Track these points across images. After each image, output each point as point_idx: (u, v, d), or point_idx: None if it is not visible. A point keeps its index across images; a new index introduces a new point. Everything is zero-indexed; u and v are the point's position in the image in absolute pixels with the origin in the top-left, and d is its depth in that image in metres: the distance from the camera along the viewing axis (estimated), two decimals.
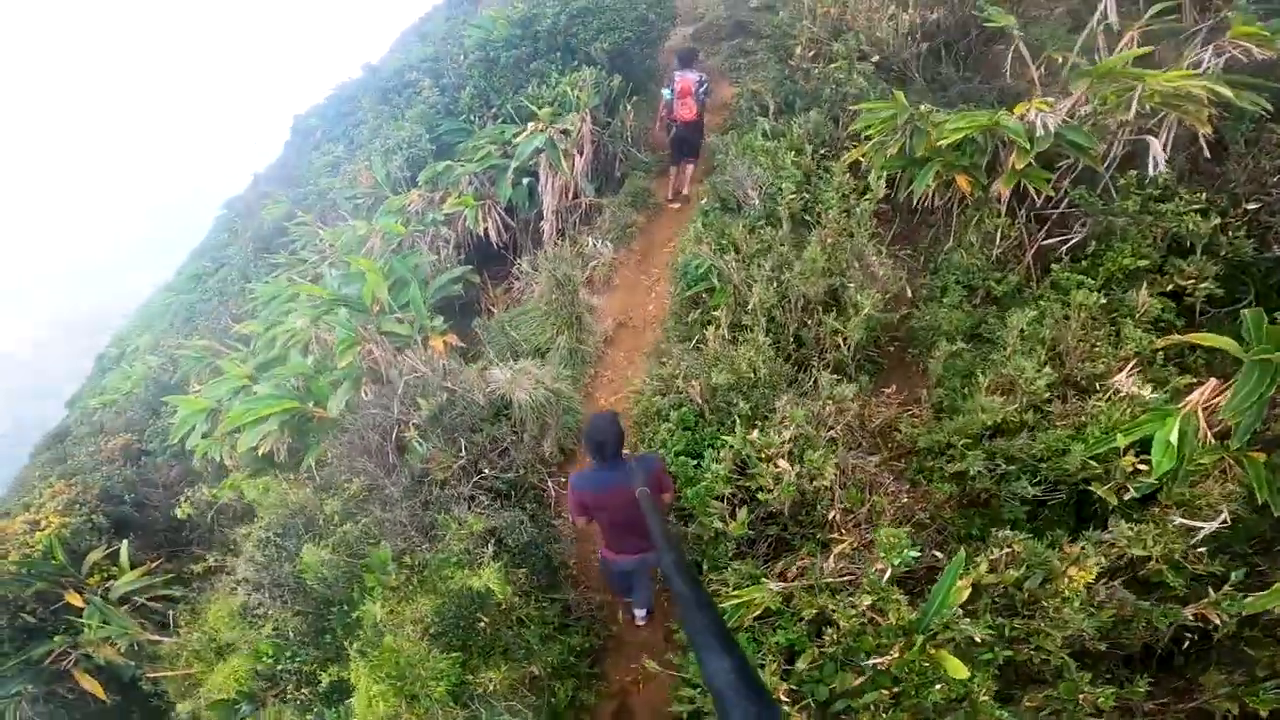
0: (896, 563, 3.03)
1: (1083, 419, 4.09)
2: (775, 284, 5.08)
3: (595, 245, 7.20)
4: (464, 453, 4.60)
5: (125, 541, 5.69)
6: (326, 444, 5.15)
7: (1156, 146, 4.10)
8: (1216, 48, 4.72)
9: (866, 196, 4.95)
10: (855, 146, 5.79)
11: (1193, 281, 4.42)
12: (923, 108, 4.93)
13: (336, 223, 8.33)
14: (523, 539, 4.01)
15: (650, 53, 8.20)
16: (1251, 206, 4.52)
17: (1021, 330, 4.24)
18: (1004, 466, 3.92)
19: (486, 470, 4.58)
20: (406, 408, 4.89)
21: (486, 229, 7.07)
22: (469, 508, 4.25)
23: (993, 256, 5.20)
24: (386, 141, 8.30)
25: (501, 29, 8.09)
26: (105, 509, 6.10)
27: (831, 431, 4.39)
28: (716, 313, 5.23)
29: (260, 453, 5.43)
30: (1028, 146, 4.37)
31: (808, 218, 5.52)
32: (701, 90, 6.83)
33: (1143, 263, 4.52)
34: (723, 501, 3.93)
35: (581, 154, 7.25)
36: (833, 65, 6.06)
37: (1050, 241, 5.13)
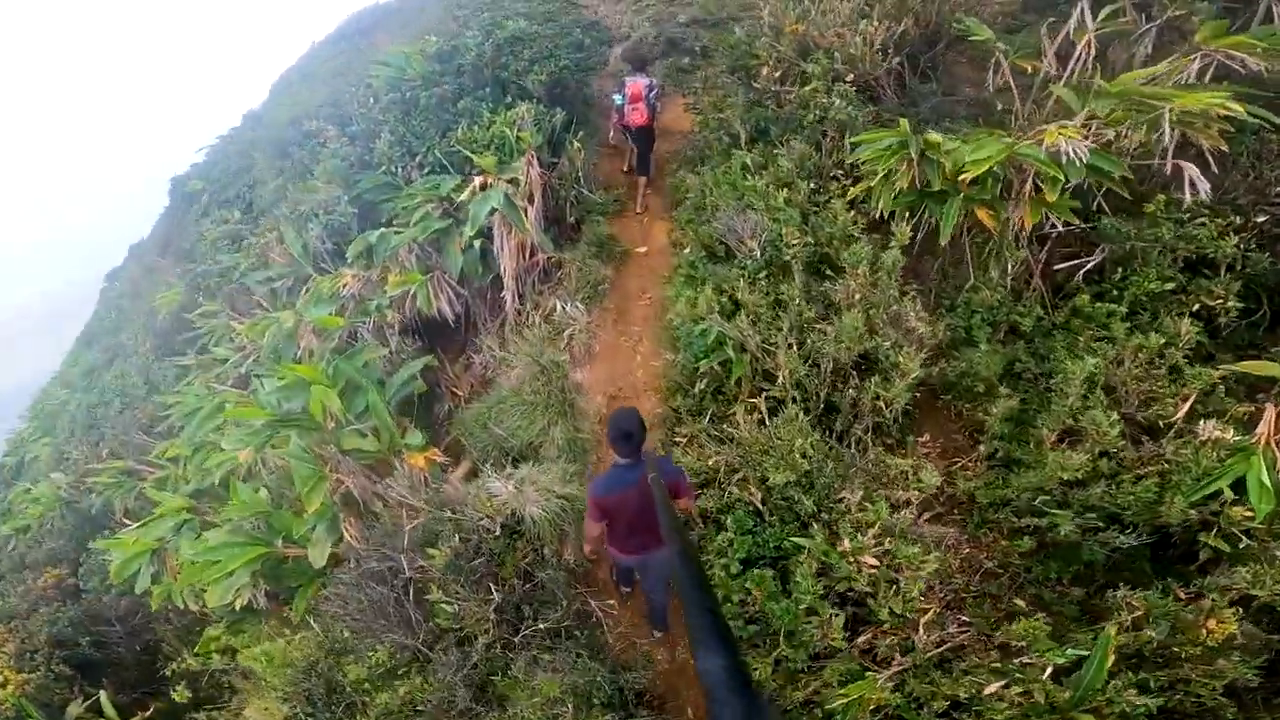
0: (1061, 660, 2.98)
1: (1163, 465, 3.78)
2: (799, 347, 4.35)
3: (565, 309, 6.21)
4: (495, 596, 3.67)
5: (103, 691, 5.17)
6: (320, 600, 4.05)
7: (1194, 171, 3.68)
8: (1203, 57, 4.36)
9: (891, 245, 4.29)
10: (850, 178, 5.15)
11: (1220, 301, 4.08)
12: (931, 135, 4.31)
13: (252, 311, 6.80)
14: (603, 692, 3.22)
15: (588, 80, 7.16)
16: (1260, 219, 4.23)
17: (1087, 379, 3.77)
18: (1090, 519, 3.70)
19: (528, 611, 3.66)
20: (414, 554, 3.83)
21: (440, 307, 5.87)
22: (526, 667, 3.58)
23: (1008, 287, 4.70)
24: (297, 207, 6.85)
25: (417, 65, 6.80)
26: (62, 654, 5.74)
27: (906, 510, 3.78)
28: (734, 384, 4.52)
29: (237, 606, 4.27)
30: (1061, 178, 3.84)
31: (820, 266, 4.80)
32: (652, 95, 6.40)
33: (1168, 285, 4.15)
34: (815, 615, 3.46)
35: (532, 203, 6.18)
36: (807, 87, 5.32)
37: (1062, 266, 4.70)
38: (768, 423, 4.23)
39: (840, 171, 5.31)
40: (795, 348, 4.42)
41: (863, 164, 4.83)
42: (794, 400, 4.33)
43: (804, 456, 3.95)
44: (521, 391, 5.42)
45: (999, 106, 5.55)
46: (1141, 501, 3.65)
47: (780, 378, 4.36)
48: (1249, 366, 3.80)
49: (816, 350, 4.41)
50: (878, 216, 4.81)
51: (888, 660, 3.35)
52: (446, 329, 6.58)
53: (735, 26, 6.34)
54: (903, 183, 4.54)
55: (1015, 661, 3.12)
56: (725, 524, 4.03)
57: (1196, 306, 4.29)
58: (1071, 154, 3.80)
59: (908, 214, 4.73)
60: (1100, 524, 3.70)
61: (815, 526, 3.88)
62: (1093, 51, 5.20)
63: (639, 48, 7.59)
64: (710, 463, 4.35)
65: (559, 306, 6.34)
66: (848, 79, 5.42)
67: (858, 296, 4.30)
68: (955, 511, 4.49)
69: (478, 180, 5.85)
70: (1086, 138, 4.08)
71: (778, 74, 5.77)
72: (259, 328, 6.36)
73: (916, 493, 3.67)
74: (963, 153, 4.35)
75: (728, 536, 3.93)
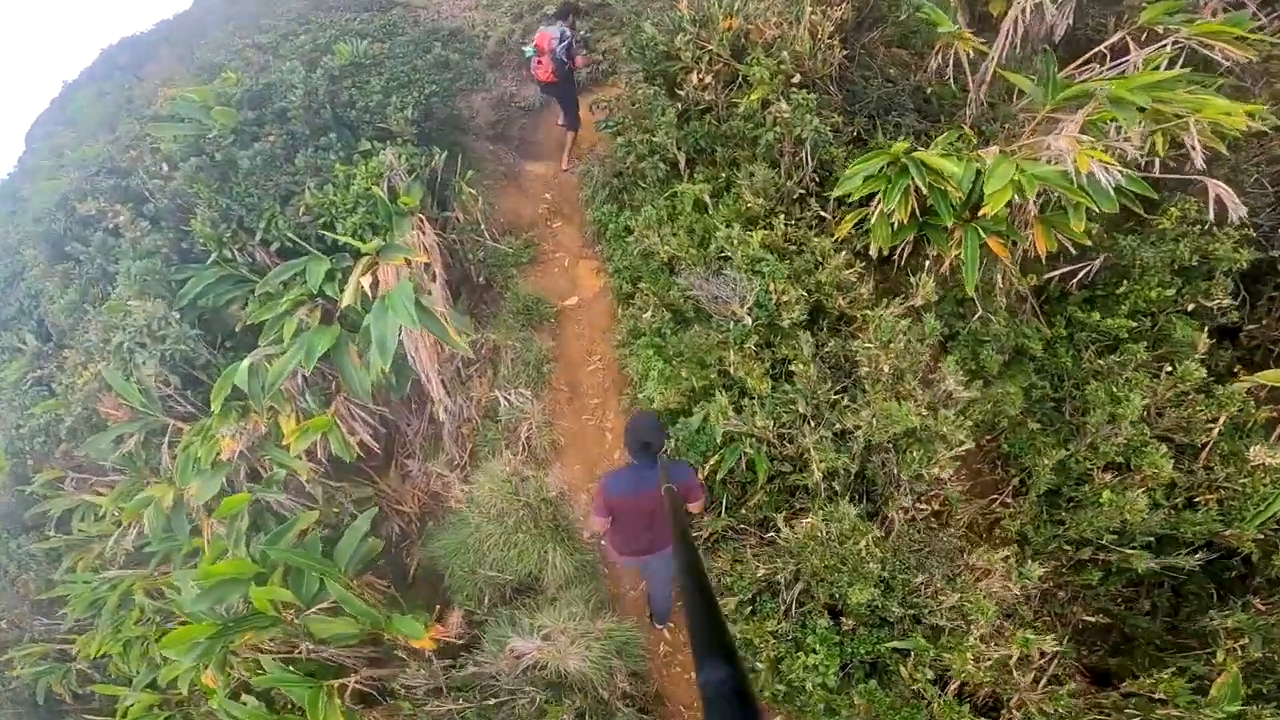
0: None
1: (1220, 493, 3.57)
2: (822, 425, 3.51)
3: (511, 403, 4.87)
4: None
5: None
6: None
7: (1226, 192, 3.12)
8: (1174, 44, 3.77)
9: (916, 301, 3.46)
10: (822, 203, 4.18)
11: (1216, 303, 3.74)
12: (929, 156, 3.44)
13: (108, 476, 4.82)
14: None
15: (466, 102, 5.40)
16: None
17: (1138, 419, 3.35)
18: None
19: None
20: None
21: (362, 439, 4.31)
22: None
23: (1005, 306, 4.08)
24: (109, 335, 4.72)
25: (224, 118, 4.69)
26: None
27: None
28: (761, 482, 3.84)
29: None
30: (1090, 205, 3.13)
31: (818, 318, 3.90)
32: (560, 47, 5.46)
33: (1168, 292, 3.72)
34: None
35: (436, 279, 4.64)
36: (754, 95, 4.17)
37: (1051, 275, 4.15)
38: (815, 523, 3.35)
39: (811, 198, 4.27)
40: (820, 429, 3.54)
41: (851, 196, 3.81)
42: (831, 493, 3.50)
43: (872, 558, 3.18)
44: (503, 521, 4.15)
45: (943, 99, 4.72)
46: (1204, 527, 3.48)
47: (814, 477, 3.46)
48: (1270, 378, 3.45)
49: (842, 426, 3.56)
50: (874, 254, 3.88)
51: None
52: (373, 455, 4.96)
53: (643, 23, 4.83)
54: (901, 214, 3.61)
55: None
56: (806, 644, 3.44)
57: (1192, 307, 3.89)
58: (1104, 179, 3.03)
59: (907, 248, 3.85)
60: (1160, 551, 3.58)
61: (908, 623, 3.46)
62: (1020, 27, 4.45)
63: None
64: (759, 574, 3.46)
65: (503, 401, 4.94)
66: (794, 79, 4.27)
67: (886, 368, 3.42)
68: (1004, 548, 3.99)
69: (360, 275, 4.15)
70: (1108, 150, 3.34)
71: (708, 78, 4.46)
72: (129, 504, 4.42)
73: (1015, 584, 3.03)
74: (966, 173, 3.48)
75: (816, 659, 3.13)
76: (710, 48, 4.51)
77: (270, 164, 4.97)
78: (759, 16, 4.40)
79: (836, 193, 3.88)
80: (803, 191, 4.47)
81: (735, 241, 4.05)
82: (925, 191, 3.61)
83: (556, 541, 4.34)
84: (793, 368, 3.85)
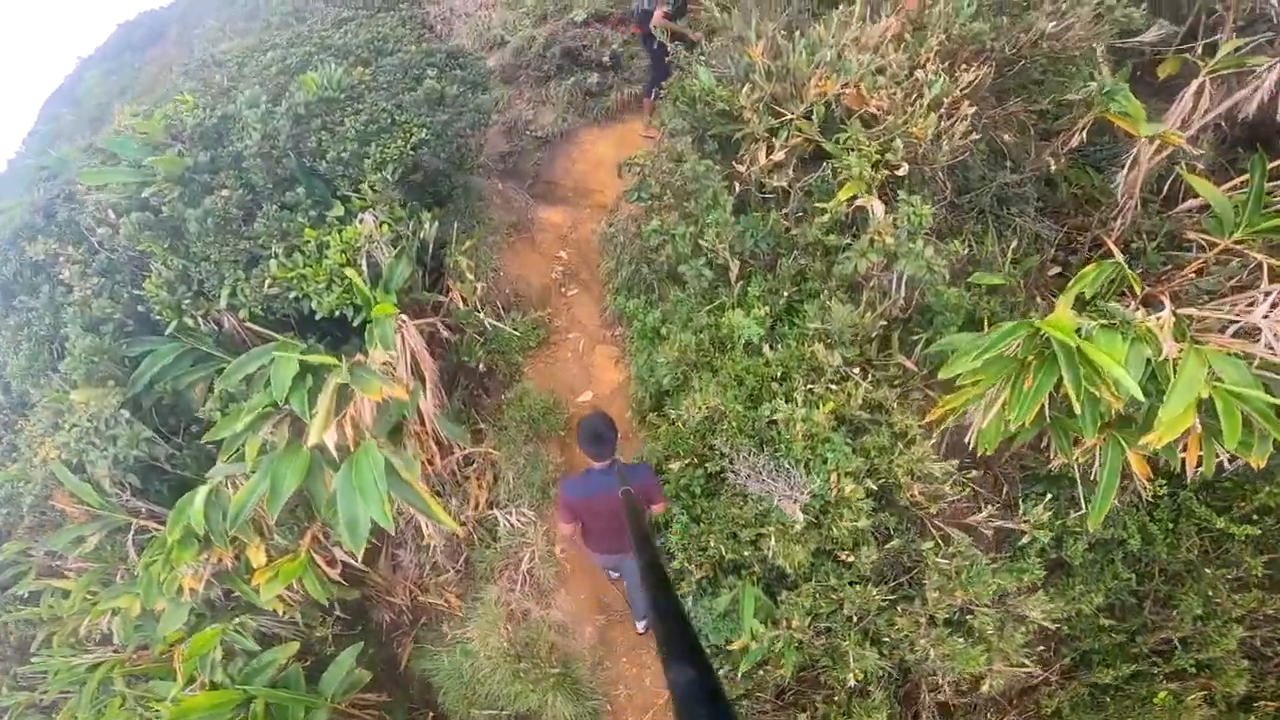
0: None
1: None
2: (869, 639, 2.70)
3: (510, 523, 3.97)
4: None
5: None
6: None
7: None
8: None
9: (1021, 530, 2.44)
10: (913, 348, 3.00)
11: None
12: (1095, 348, 2.23)
13: (75, 569, 4.16)
14: None
15: (471, 143, 4.07)
16: None
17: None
18: None
19: None
20: None
21: (343, 567, 3.48)
22: None
23: None
24: (59, 421, 3.87)
25: (167, 166, 3.50)
26: None
27: None
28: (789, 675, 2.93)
29: None
30: None
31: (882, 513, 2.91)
32: None
33: None
34: None
35: (426, 382, 3.59)
36: (841, 194, 2.89)
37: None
38: None
39: (894, 332, 3.05)
40: (866, 643, 2.62)
41: (955, 379, 2.58)
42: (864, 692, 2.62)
43: None
44: (504, 658, 3.40)
45: (1077, 188, 3.32)
46: None
47: (847, 672, 2.55)
48: None
49: (891, 640, 2.61)
50: (973, 450, 2.70)
51: None
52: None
53: (696, 63, 3.35)
54: (1027, 415, 2.40)
55: None
56: None
57: None
58: None
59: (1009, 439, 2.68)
60: None
61: None
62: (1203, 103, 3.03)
63: None
64: None
65: (502, 521, 4.01)
66: (899, 170, 2.92)
67: (958, 600, 2.39)
68: None
69: (327, 405, 3.12)
70: None
71: (781, 156, 3.10)
72: (95, 607, 3.97)
73: None
74: (1135, 368, 2.25)
75: None
76: (790, 115, 3.07)
77: (224, 226, 3.78)
78: (863, 79, 2.91)
79: (944, 373, 2.65)
80: (885, 324, 3.19)
81: (795, 421, 2.86)
82: (1073, 394, 2.36)
83: (560, 688, 3.56)
84: (844, 557, 2.81)
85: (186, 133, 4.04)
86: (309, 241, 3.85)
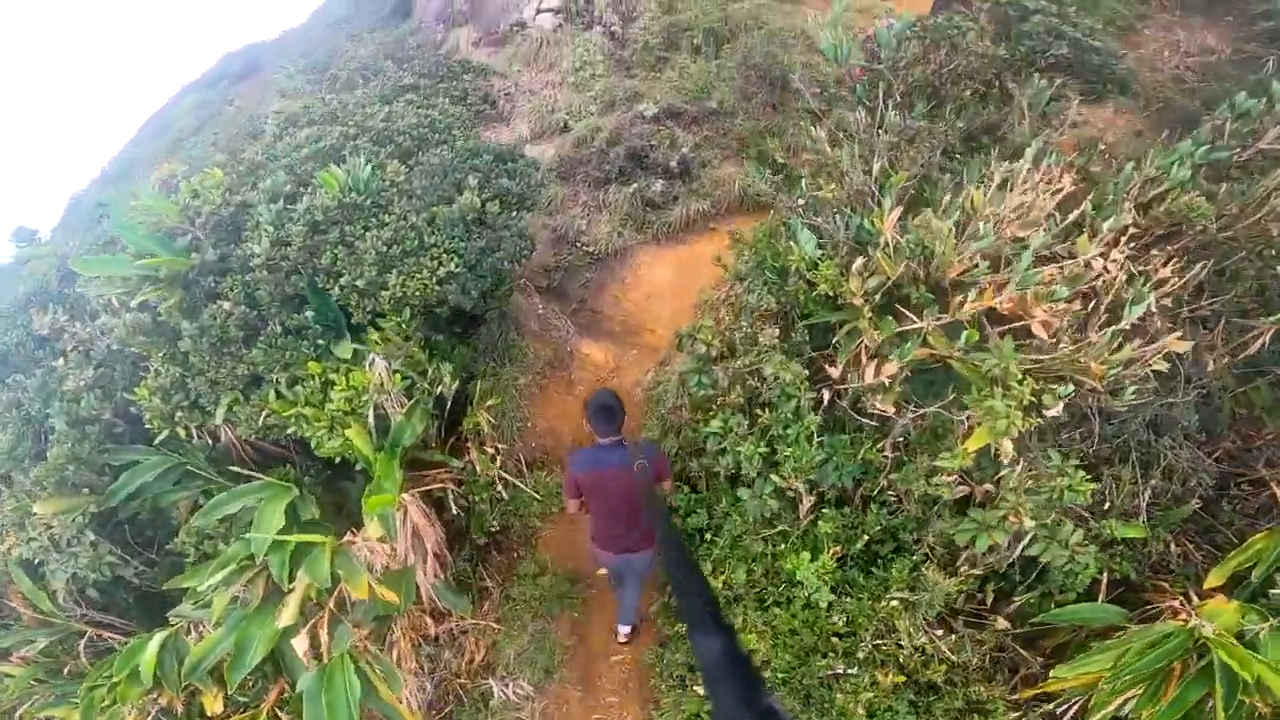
0: None
1: None
2: None
3: (505, 695, 3.07)
4: None
5: None
6: None
7: None
8: None
9: None
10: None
11: None
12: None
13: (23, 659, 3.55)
14: None
15: (509, 272, 3.24)
16: None
17: None
18: None
19: None
20: None
21: None
22: None
23: None
24: (24, 523, 3.23)
25: (173, 265, 2.76)
26: None
27: None
28: None
29: None
30: None
31: None
32: None
33: None
34: None
35: (425, 560, 2.69)
36: (969, 444, 1.89)
37: None
38: None
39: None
40: None
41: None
42: None
43: None
44: None
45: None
46: None
47: None
48: None
49: None
50: None
51: None
52: None
53: (792, 220, 2.45)
54: None
55: None
56: None
57: None
58: None
59: None
60: None
61: None
62: None
63: None
64: None
65: (497, 691, 3.16)
66: (1051, 410, 1.92)
67: None
68: None
69: (298, 598, 2.42)
70: None
71: (890, 371, 2.14)
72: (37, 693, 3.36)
73: None
74: None
75: None
76: (919, 324, 2.13)
77: (220, 347, 3.05)
78: (1033, 286, 1.97)
79: (1069, 675, 1.78)
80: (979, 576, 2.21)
81: (861, 689, 1.93)
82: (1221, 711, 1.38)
83: None
84: None
85: (202, 220, 3.35)
86: (312, 374, 3.10)
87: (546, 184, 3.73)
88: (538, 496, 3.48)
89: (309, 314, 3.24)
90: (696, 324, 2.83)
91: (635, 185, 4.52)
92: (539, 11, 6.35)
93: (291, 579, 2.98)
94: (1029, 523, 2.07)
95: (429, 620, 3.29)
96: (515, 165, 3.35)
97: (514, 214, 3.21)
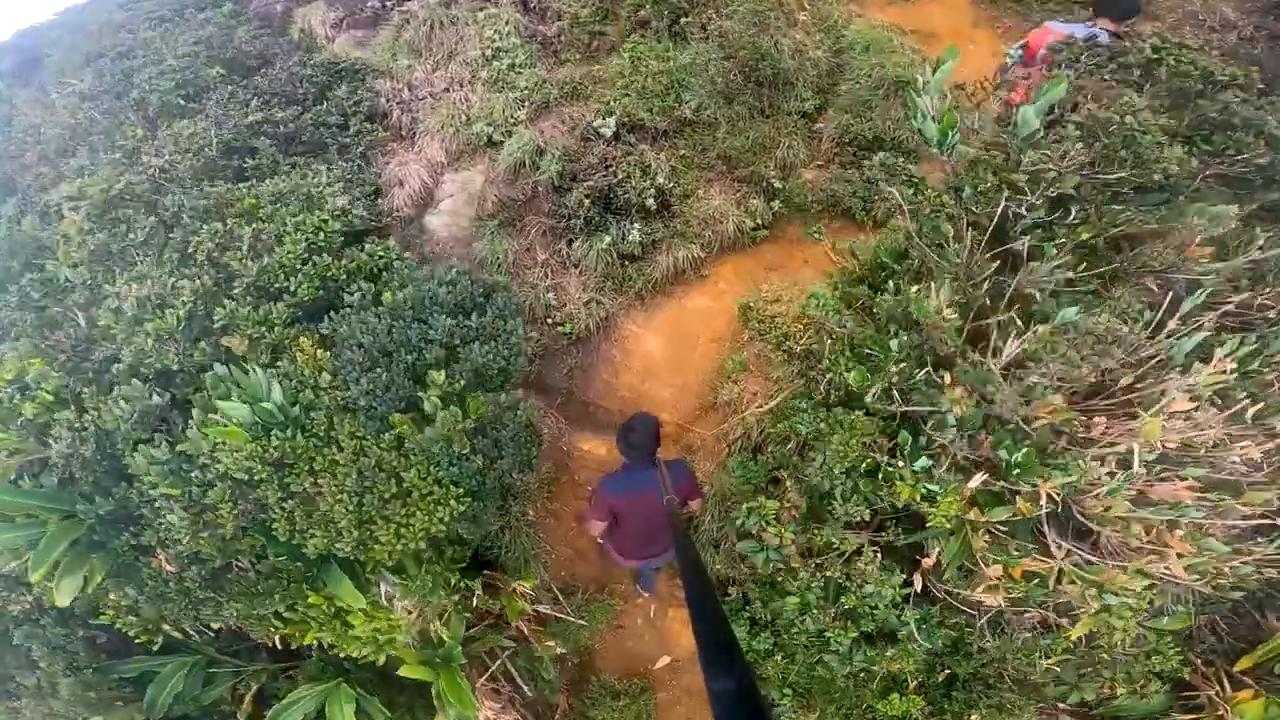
0: None
1: None
2: None
3: None
4: None
5: None
6: None
7: None
8: None
9: None
10: None
11: None
12: None
13: None
14: None
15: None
16: None
17: None
18: None
19: None
20: None
21: None
22: None
23: None
24: None
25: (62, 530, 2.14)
26: None
27: None
28: None
29: None
30: None
31: None
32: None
33: None
34: None
35: None
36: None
37: None
38: None
39: None
40: None
41: None
42: None
43: None
44: None
45: None
46: None
47: None
48: None
49: None
50: None
51: None
52: None
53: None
54: None
55: None
56: None
57: None
58: None
59: None
60: None
61: None
62: None
63: None
64: None
65: None
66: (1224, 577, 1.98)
67: None
68: None
69: None
70: None
71: (994, 573, 1.94)
72: None
73: None
74: None
75: None
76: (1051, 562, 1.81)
77: (182, 594, 2.47)
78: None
79: None
80: None
81: None
82: None
83: None
84: None
85: (64, 444, 2.37)
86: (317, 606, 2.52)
87: (508, 287, 2.70)
88: (583, 622, 3.22)
89: (280, 557, 2.54)
90: (750, 506, 2.33)
91: (609, 238, 3.33)
92: None
93: None
94: (1121, 690, 2.05)
95: None
96: (483, 320, 2.29)
97: (504, 395, 2.33)
